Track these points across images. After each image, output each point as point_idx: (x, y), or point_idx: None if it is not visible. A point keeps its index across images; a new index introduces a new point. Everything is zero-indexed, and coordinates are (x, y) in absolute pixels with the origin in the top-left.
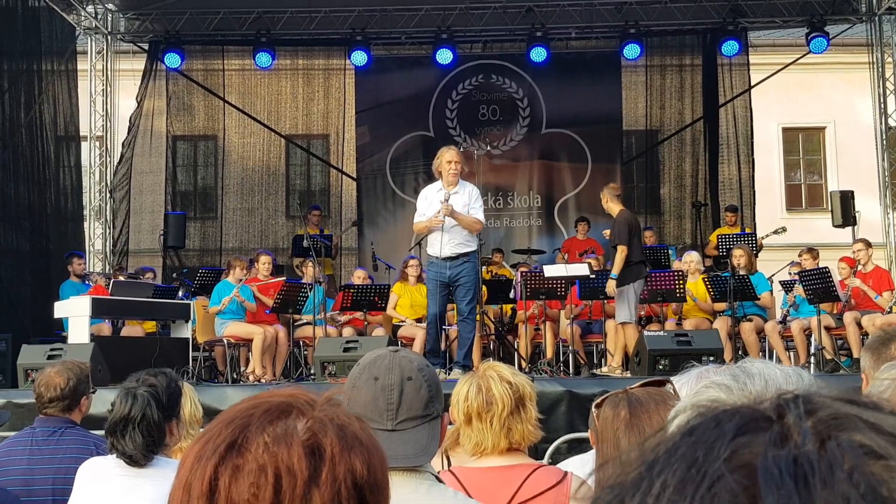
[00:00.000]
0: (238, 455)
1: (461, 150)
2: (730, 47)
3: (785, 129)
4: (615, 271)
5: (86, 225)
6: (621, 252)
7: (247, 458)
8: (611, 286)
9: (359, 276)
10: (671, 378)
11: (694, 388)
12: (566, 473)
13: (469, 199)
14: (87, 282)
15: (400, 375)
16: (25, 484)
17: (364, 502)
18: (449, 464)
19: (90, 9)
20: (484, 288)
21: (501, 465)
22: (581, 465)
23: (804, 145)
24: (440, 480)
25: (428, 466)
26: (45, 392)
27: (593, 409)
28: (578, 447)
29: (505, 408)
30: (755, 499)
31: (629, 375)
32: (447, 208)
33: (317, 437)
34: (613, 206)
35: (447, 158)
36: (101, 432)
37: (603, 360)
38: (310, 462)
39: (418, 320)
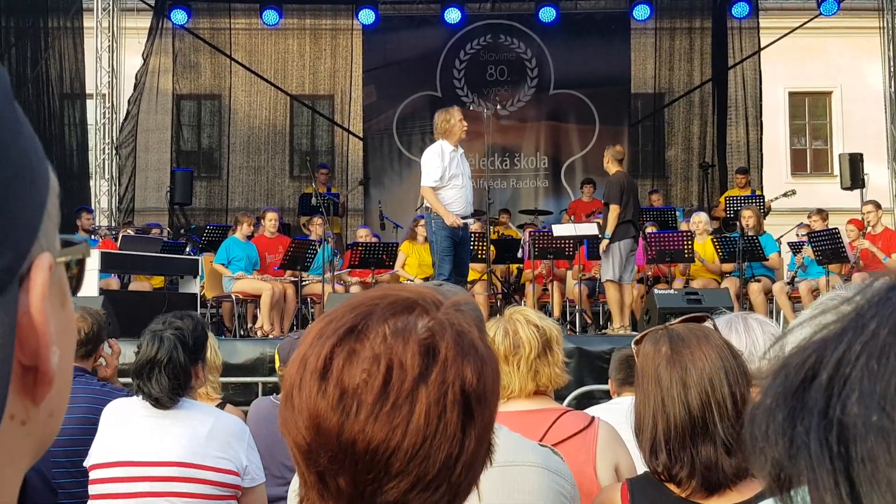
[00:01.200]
0: (356, 340)
1: (469, 109)
2: (740, 9)
3: (791, 94)
4: (608, 230)
5: (91, 182)
6: (613, 211)
7: (364, 345)
8: (603, 244)
9: (361, 235)
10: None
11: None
12: (593, 418)
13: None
14: (94, 237)
15: None
16: None
17: (469, 410)
18: None
19: None
20: (492, 247)
21: (528, 409)
22: (606, 412)
23: (810, 110)
24: None
25: None
26: None
27: (633, 346)
28: (588, 402)
29: (532, 350)
30: None
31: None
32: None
33: (434, 338)
34: (612, 167)
35: (460, 118)
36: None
37: (609, 321)
38: (423, 360)
39: (426, 279)
